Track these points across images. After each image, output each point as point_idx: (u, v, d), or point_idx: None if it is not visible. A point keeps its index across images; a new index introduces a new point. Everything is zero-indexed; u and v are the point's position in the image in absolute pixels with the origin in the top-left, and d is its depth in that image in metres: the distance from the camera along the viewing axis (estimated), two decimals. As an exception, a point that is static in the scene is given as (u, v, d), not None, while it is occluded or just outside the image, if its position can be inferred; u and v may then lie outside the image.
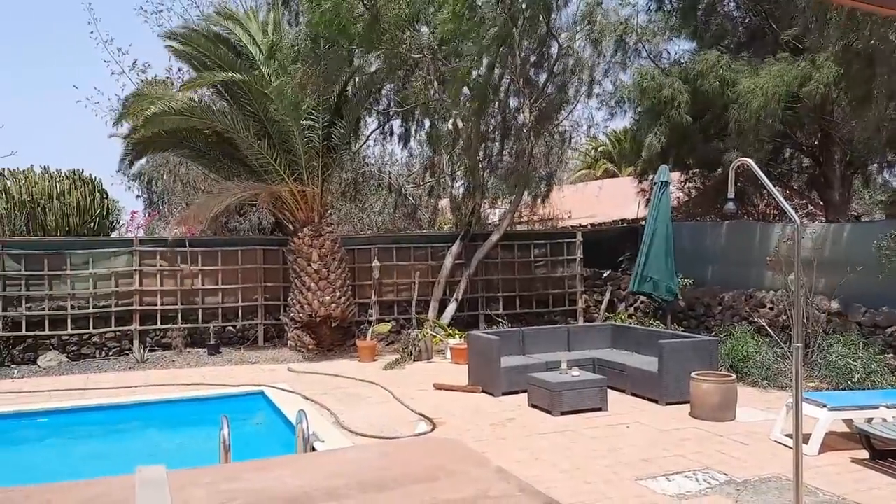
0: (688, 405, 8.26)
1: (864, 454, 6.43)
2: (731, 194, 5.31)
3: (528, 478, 4.95)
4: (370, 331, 13.54)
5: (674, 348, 8.91)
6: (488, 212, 16.49)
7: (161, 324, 13.38)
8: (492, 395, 9.42)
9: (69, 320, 12.79)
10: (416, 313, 14.17)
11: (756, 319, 11.64)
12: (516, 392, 9.25)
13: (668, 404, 8.61)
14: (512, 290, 15.51)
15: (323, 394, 9.63)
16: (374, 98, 14.88)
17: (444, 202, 17.85)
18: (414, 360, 12.20)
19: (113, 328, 13.09)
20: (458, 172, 16.01)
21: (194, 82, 12.01)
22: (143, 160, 18.97)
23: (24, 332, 12.52)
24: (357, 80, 13.60)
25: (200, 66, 12.78)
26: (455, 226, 16.36)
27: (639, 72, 13.31)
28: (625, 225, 17.96)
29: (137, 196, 20.94)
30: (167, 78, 18.27)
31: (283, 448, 7.05)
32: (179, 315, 13.47)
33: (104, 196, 15.94)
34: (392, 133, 16.45)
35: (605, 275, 15.97)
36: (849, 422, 6.95)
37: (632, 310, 14.73)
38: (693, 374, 8.13)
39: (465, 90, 13.80)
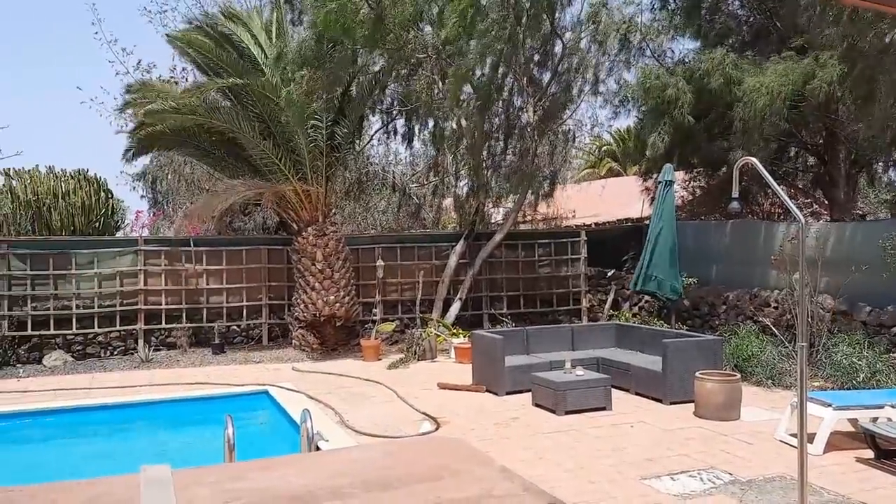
0: (692, 405, 8.24)
1: (869, 454, 6.41)
2: (735, 193, 5.29)
3: (533, 477, 4.95)
4: (374, 330, 13.55)
5: (678, 347, 8.90)
6: (492, 211, 16.49)
7: (166, 323, 13.41)
8: (496, 394, 9.41)
9: (74, 320, 12.83)
10: (420, 312, 14.18)
11: (760, 319, 11.61)
12: (520, 391, 9.24)
13: (672, 404, 8.60)
14: (516, 289, 15.50)
15: (327, 393, 9.64)
16: (377, 97, 14.89)
17: (448, 201, 17.85)
18: (418, 360, 12.21)
19: (118, 327, 13.12)
20: (462, 172, 16.01)
21: (197, 90, 11.87)
22: (148, 160, 19.07)
23: (29, 332, 12.56)
24: (361, 79, 13.61)
25: (205, 65, 12.81)
26: (459, 225, 16.36)
27: (643, 71, 13.28)
28: (629, 224, 17.93)
29: (142, 196, 21.01)
30: (171, 78, 18.30)
31: (288, 447, 7.06)
32: (184, 314, 13.50)
33: (109, 196, 15.97)
34: (396, 132, 16.48)
35: (609, 274, 15.95)
36: (854, 421, 6.93)
37: (636, 309, 14.71)
38: (697, 374, 8.11)
39: (469, 89, 13.81)
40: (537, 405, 8.67)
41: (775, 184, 5.14)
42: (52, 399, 9.50)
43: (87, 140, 34.76)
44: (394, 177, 18.58)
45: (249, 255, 13.95)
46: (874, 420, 6.57)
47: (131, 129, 13.24)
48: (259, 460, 2.19)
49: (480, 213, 15.15)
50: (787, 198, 5.03)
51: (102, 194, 15.64)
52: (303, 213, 12.94)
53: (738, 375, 8.22)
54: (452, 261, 14.51)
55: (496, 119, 14.93)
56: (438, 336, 12.95)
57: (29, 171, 15.11)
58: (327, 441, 6.77)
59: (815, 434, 6.49)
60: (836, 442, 6.75)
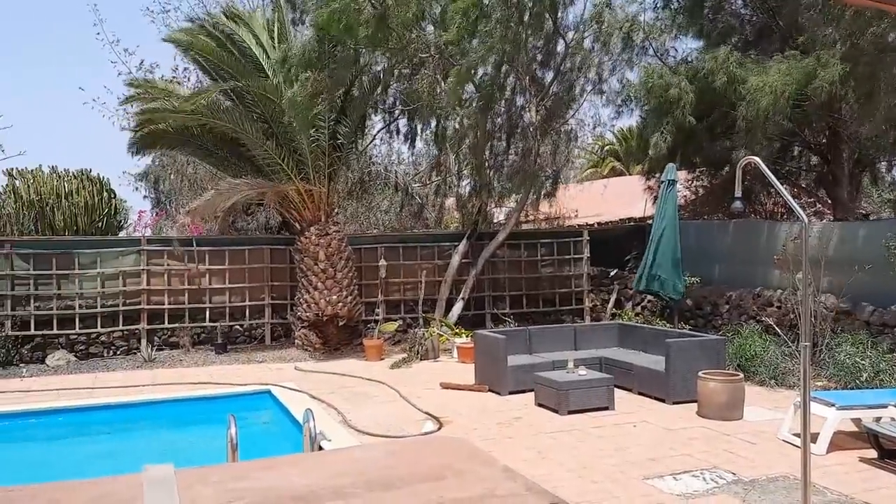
0: (695, 404, 8.23)
1: (873, 453, 6.40)
2: (738, 193, 5.29)
3: (535, 477, 4.94)
4: (377, 330, 13.56)
5: (681, 347, 8.89)
6: (495, 211, 16.50)
7: (168, 323, 13.42)
8: (498, 394, 9.41)
9: (77, 319, 12.85)
10: (423, 312, 14.18)
11: (764, 318, 11.59)
12: (523, 391, 9.24)
13: (675, 403, 8.59)
14: (518, 289, 15.50)
15: (330, 393, 9.65)
16: (380, 97, 14.89)
17: (451, 201, 17.85)
18: (420, 359, 12.21)
19: (121, 327, 13.14)
20: (465, 171, 16.01)
21: (199, 96, 11.81)
22: (150, 160, 19.10)
23: (32, 332, 12.59)
24: (363, 79, 13.61)
25: (207, 65, 12.82)
26: (461, 225, 16.36)
27: (645, 70, 13.26)
28: (632, 224, 17.92)
29: (145, 196, 21.07)
30: (173, 78, 18.32)
31: (291, 447, 7.07)
32: (187, 314, 13.52)
33: (112, 196, 15.99)
34: (398, 132, 16.49)
35: (611, 274, 15.94)
36: (857, 421, 6.91)
37: (639, 308, 14.70)
38: (700, 373, 8.10)
39: (472, 89, 13.80)
40: (540, 405, 8.67)
41: (778, 183, 5.13)
42: (55, 399, 9.52)
43: (89, 140, 34.86)
44: (396, 176, 18.58)
45: (252, 255, 13.96)
46: (877, 420, 6.56)
47: (134, 125, 13.20)
48: (262, 460, 2.19)
49: (483, 212, 15.15)
50: (790, 197, 5.02)
51: (105, 194, 15.66)
52: (305, 213, 12.95)
53: (741, 375, 8.21)
54: (455, 260, 14.51)
55: (499, 118, 14.93)
56: (441, 336, 12.95)
57: (32, 171, 15.14)
58: (330, 441, 6.77)
59: (818, 434, 6.48)
60: (840, 442, 6.73)
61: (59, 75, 34.98)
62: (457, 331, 13.15)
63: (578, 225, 18.33)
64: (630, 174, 28.01)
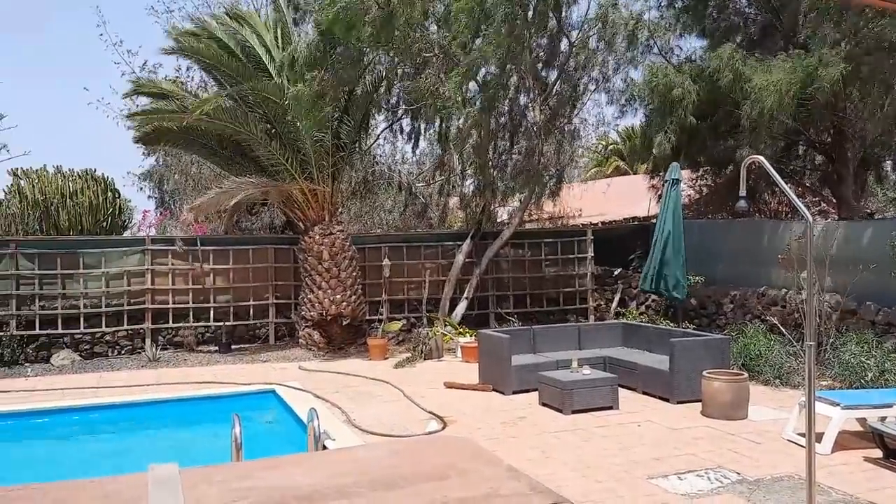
0: (699, 404, 8.22)
1: (878, 453, 6.38)
2: (742, 192, 5.28)
3: (540, 476, 4.94)
4: (381, 329, 13.56)
5: (685, 346, 8.88)
6: (498, 210, 16.48)
7: (173, 322, 13.45)
8: (502, 393, 9.41)
9: (82, 319, 12.88)
10: (427, 312, 14.18)
11: (768, 317, 11.56)
12: (527, 390, 9.24)
13: (679, 403, 8.58)
14: (522, 288, 15.49)
15: (334, 392, 9.65)
16: (383, 96, 14.88)
17: (454, 201, 17.84)
18: (424, 359, 12.21)
19: (125, 327, 13.17)
20: (468, 171, 16.00)
21: (202, 105, 11.71)
22: (154, 159, 19.13)
23: (37, 331, 12.62)
24: (366, 78, 13.60)
25: (210, 66, 12.83)
26: (465, 224, 16.35)
27: (650, 69, 13.24)
28: (636, 223, 17.89)
29: (149, 196, 21.09)
30: (177, 77, 18.34)
31: (295, 446, 7.07)
32: (191, 313, 13.54)
33: (116, 195, 16.02)
34: (402, 131, 16.48)
35: (615, 273, 15.92)
36: (862, 420, 6.90)
37: (643, 308, 14.68)
38: (704, 373, 8.09)
39: (476, 88, 13.79)
40: (544, 404, 8.67)
41: (783, 182, 5.11)
42: (60, 398, 9.54)
43: (94, 140, 34.94)
44: (400, 176, 18.56)
45: (256, 255, 13.97)
46: (882, 419, 6.55)
47: (138, 122, 13.17)
48: (266, 459, 2.20)
49: (486, 212, 15.13)
50: (794, 196, 5.00)
51: (110, 194, 15.69)
52: (309, 213, 12.96)
53: (746, 374, 8.20)
54: (459, 260, 14.51)
55: (502, 118, 14.92)
56: (445, 335, 12.95)
57: (37, 170, 15.18)
58: (334, 440, 6.78)
59: (823, 433, 6.47)
60: (845, 441, 6.72)
61: (63, 75, 35.08)
62: (461, 330, 13.15)
63: (582, 224, 18.30)
64: (634, 173, 27.96)
